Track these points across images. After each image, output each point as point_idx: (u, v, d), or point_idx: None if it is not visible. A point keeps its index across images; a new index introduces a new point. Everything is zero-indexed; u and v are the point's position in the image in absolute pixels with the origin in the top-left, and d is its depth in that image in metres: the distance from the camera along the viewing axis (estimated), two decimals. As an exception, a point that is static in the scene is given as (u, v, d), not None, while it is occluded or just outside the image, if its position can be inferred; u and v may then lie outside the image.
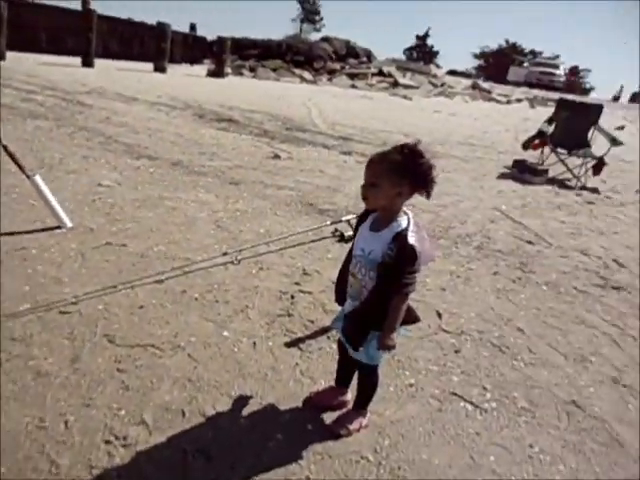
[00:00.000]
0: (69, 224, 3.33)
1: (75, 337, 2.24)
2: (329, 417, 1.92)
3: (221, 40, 19.26)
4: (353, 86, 21.43)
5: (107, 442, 1.71)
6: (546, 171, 6.90)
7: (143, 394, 1.94)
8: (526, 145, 7.55)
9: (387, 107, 14.43)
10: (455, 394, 2.16)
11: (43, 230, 3.24)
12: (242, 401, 1.97)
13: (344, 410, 1.95)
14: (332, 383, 2.04)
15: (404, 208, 1.62)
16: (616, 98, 33.02)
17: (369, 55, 27.94)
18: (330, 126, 9.34)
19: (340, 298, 1.80)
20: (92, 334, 2.27)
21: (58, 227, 3.29)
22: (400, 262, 1.53)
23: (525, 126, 11.94)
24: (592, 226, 4.92)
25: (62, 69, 13.00)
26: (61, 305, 2.44)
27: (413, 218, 1.61)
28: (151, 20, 19.02)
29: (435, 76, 26.71)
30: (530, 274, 3.55)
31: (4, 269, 2.71)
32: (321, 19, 47.84)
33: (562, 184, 6.73)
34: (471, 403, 2.11)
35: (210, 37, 24.38)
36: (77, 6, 18.87)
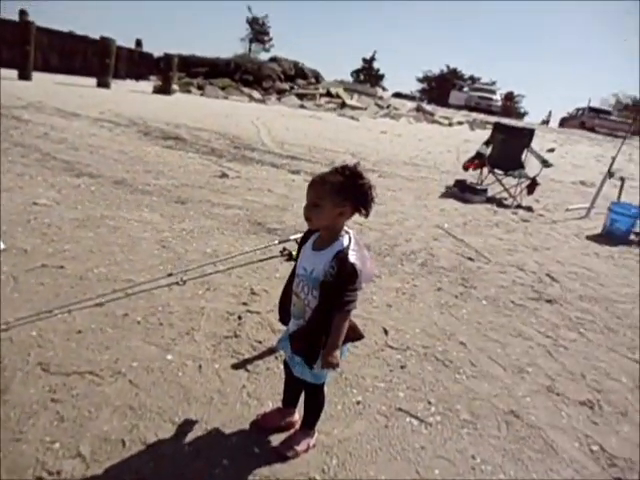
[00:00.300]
0: (1, 246, 3.14)
1: (5, 366, 2.10)
2: (277, 439, 1.91)
3: (168, 57, 19.05)
4: (302, 106, 21.71)
5: (39, 479, 1.61)
6: (485, 190, 7.27)
7: (80, 425, 1.85)
8: (466, 166, 7.93)
9: (335, 127, 14.72)
10: (401, 410, 2.20)
11: (-29, 252, 3.04)
12: (186, 427, 1.92)
13: (292, 431, 1.94)
14: (280, 404, 2.03)
15: (346, 227, 1.66)
16: (545, 122, 35.17)
17: (317, 76, 28.48)
18: (279, 145, 9.40)
19: (284, 318, 1.81)
20: (24, 362, 2.14)
21: (-12, 249, 3.09)
22: (341, 280, 1.56)
23: (466, 147, 12.53)
24: (527, 243, 5.21)
25: (-4, 82, 12.35)
26: (-11, 332, 2.28)
27: (354, 237, 1.65)
28: (94, 35, 18.53)
29: (381, 98, 27.61)
30: (471, 289, 3.70)
31: None
32: (270, 39, 48.35)
33: (500, 203, 7.10)
34: (416, 418, 2.16)
35: (157, 53, 24.07)
36: (14, 16, 18.07)
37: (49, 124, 7.77)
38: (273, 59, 28.30)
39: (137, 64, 23.21)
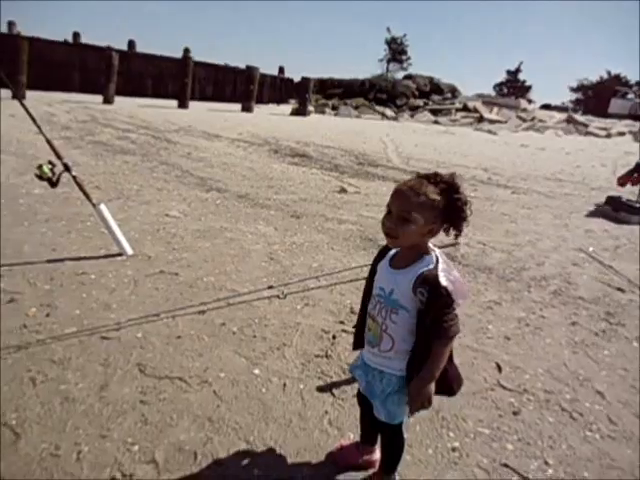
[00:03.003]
0: (129, 252, 3.45)
1: (109, 364, 2.23)
2: (353, 478, 1.70)
3: (305, 80, 20.10)
4: (436, 122, 21.18)
5: (113, 479, 1.63)
6: (647, 209, 6.13)
7: (160, 430, 1.86)
8: (622, 180, 6.80)
9: (469, 142, 13.98)
10: (507, 466, 1.82)
11: (105, 257, 3.39)
12: (260, 449, 1.81)
13: (370, 472, 1.71)
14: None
15: (430, 244, 1.42)
16: None
17: (454, 91, 27.62)
18: (404, 161, 9.17)
19: (358, 342, 1.61)
20: (126, 362, 2.26)
21: (119, 254, 3.42)
22: (435, 306, 1.33)
23: (626, 160, 10.90)
24: (703, 274, 4.20)
25: (159, 110, 14.24)
26: (103, 331, 2.47)
27: (442, 255, 1.40)
28: (243, 64, 20.37)
29: (525, 110, 25.66)
30: (618, 327, 3.06)
31: (62, 292, 2.84)
32: (408, 58, 48.20)
33: (667, 224, 5.92)
34: (526, 479, 1.77)
35: (297, 78, 25.65)
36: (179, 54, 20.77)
37: (193, 145, 8.63)
38: (408, 76, 28.20)
39: (279, 89, 25.01)
